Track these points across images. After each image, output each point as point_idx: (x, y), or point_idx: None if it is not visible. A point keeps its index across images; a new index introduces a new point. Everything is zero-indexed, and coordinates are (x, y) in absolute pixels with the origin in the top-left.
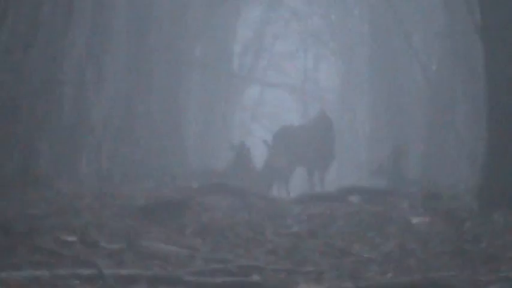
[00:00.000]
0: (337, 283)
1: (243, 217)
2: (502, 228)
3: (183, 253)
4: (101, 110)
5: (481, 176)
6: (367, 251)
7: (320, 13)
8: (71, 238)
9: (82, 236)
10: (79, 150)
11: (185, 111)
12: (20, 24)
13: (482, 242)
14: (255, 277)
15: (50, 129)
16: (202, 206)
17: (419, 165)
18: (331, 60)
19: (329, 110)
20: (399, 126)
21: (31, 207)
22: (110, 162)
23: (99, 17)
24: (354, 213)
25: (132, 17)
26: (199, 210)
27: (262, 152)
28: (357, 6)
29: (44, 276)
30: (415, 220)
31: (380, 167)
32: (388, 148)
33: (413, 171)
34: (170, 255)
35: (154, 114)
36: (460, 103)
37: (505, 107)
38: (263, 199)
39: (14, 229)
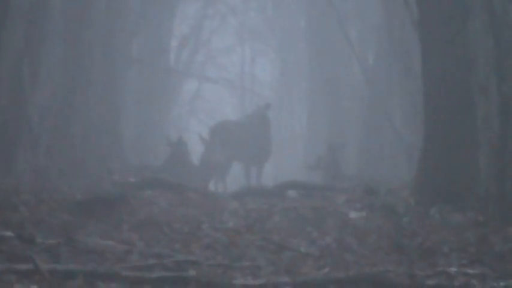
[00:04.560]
0: (274, 278)
1: (180, 212)
2: (438, 223)
3: (119, 248)
4: (37, 105)
5: (417, 171)
6: (304, 246)
7: (257, 8)
8: (7, 233)
9: (19, 231)
10: (15, 146)
11: (122, 106)
12: None
13: (419, 237)
14: (192, 272)
15: None
16: (139, 201)
17: (357, 160)
18: (268, 55)
19: (266, 105)
20: (337, 121)
21: None
22: (46, 158)
23: (36, 11)
24: (291, 209)
25: (69, 12)
26: (137, 205)
27: (200, 147)
28: (294, 0)
29: None
30: (352, 215)
31: (317, 162)
32: (326, 143)
33: (350, 166)
34: (107, 251)
35: (91, 109)
36: (397, 98)
37: (441, 102)
38: (200, 194)
39: None
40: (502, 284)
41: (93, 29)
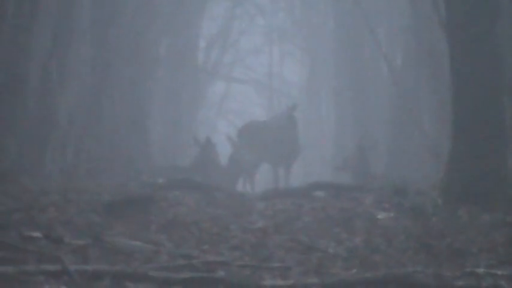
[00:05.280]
0: (302, 279)
1: (208, 213)
2: (466, 224)
3: (148, 249)
4: (66, 106)
5: (445, 172)
6: (332, 247)
7: (285, 9)
8: (36, 234)
9: (47, 231)
10: (44, 146)
11: (150, 106)
12: None
13: (447, 238)
14: (220, 273)
15: (15, 125)
16: (167, 202)
17: (385, 160)
18: (296, 55)
19: (293, 106)
20: (364, 121)
21: None
22: (75, 158)
23: (64, 12)
24: (319, 209)
25: (97, 13)
26: (165, 205)
27: (228, 147)
28: (322, 1)
29: (9, 272)
30: (380, 215)
31: (345, 163)
32: (354, 143)
33: (378, 167)
34: (135, 251)
35: (119, 110)
36: (425, 98)
37: (469, 102)
38: (228, 195)
39: None
40: None
41: (122, 29)
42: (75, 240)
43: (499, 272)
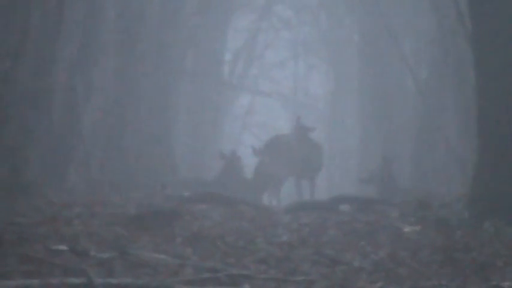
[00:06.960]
0: None
1: (233, 226)
2: (492, 237)
3: (173, 262)
4: (90, 118)
5: (471, 185)
6: (358, 260)
7: (310, 22)
8: (61, 247)
9: (72, 244)
10: (69, 159)
11: (175, 120)
12: (9, 32)
13: (472, 251)
14: (246, 286)
15: (39, 138)
16: (192, 215)
17: (410, 173)
18: (321, 69)
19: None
20: (389, 134)
21: (20, 216)
22: (99, 171)
23: (89, 25)
24: (344, 222)
25: (122, 25)
26: (190, 219)
27: (253, 161)
28: (347, 14)
29: (34, 285)
30: (406, 229)
31: (370, 176)
32: (379, 157)
33: (403, 180)
34: (160, 264)
35: (143, 122)
36: (450, 111)
37: (495, 115)
38: (254, 208)
39: (3, 238)
40: None
41: (147, 42)
42: (100, 253)
43: None
